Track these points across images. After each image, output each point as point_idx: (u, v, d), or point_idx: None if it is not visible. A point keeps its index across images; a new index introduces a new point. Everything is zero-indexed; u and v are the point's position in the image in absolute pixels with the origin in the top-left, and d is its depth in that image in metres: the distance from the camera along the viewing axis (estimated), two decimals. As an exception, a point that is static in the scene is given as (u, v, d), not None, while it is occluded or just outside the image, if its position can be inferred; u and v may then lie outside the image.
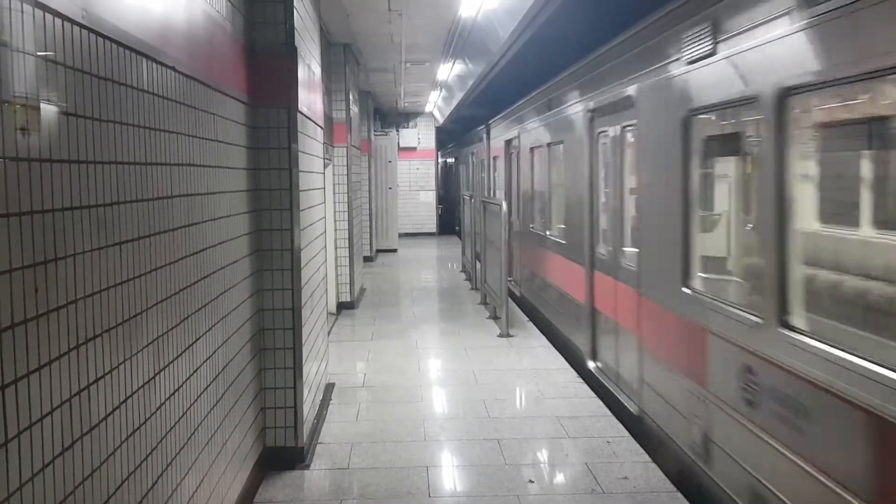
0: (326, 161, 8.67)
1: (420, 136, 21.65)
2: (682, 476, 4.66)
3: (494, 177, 14.50)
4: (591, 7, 9.69)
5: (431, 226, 21.97)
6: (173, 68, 2.98)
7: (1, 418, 1.72)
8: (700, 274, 4.64)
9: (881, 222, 3.53)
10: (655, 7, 5.13)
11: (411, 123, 21.62)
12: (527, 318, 9.90)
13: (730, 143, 4.38)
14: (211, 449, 3.49)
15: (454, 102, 16.97)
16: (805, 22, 3.25)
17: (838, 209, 3.84)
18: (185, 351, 3.11)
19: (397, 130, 21.05)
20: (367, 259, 14.83)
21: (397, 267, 15.78)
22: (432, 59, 12.17)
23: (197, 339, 3.28)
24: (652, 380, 5.31)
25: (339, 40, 10.10)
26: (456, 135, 23.63)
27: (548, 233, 9.39)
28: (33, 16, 1.89)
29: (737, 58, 3.92)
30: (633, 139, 5.87)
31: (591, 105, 6.93)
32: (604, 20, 9.54)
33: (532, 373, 7.11)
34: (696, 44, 4.39)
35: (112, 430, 2.34)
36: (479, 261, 11.44)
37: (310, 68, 5.45)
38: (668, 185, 4.91)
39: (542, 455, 5.12)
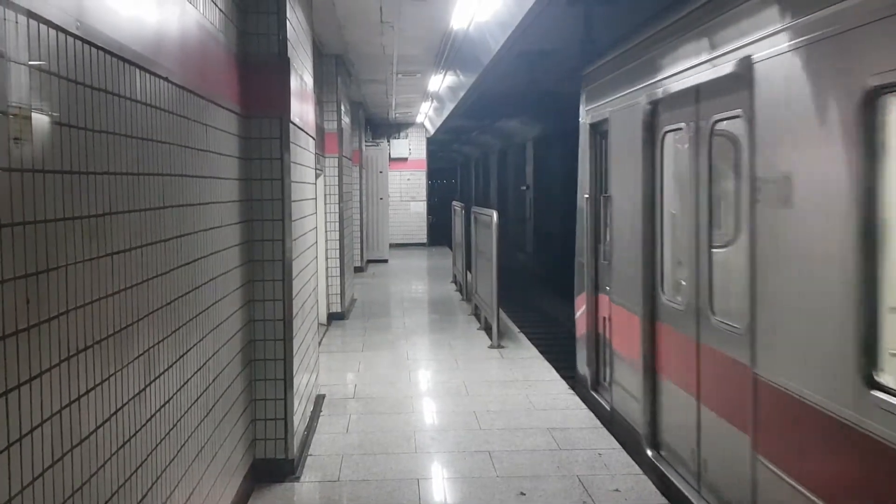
0: (318, 171, 8.67)
1: (411, 146, 21.68)
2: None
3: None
4: (582, 21, 9.74)
5: (422, 236, 21.99)
6: (166, 79, 2.98)
7: (-9, 430, 1.71)
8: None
9: None
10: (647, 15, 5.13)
11: (402, 134, 21.65)
12: (517, 329, 9.90)
13: None
14: (201, 461, 3.47)
15: (445, 114, 17.00)
16: None
17: None
18: (175, 362, 3.09)
19: (388, 141, 21.06)
20: (357, 269, 14.82)
21: (388, 277, 15.77)
22: (424, 70, 12.20)
23: (188, 351, 3.27)
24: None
25: (332, 51, 10.12)
26: (447, 144, 23.67)
27: None
28: (27, 26, 1.89)
29: None
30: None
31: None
32: (594, 34, 9.60)
33: (523, 384, 7.11)
34: None
35: (102, 441, 2.32)
36: (470, 271, 11.44)
37: (302, 79, 5.45)
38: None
39: (534, 467, 5.11)
